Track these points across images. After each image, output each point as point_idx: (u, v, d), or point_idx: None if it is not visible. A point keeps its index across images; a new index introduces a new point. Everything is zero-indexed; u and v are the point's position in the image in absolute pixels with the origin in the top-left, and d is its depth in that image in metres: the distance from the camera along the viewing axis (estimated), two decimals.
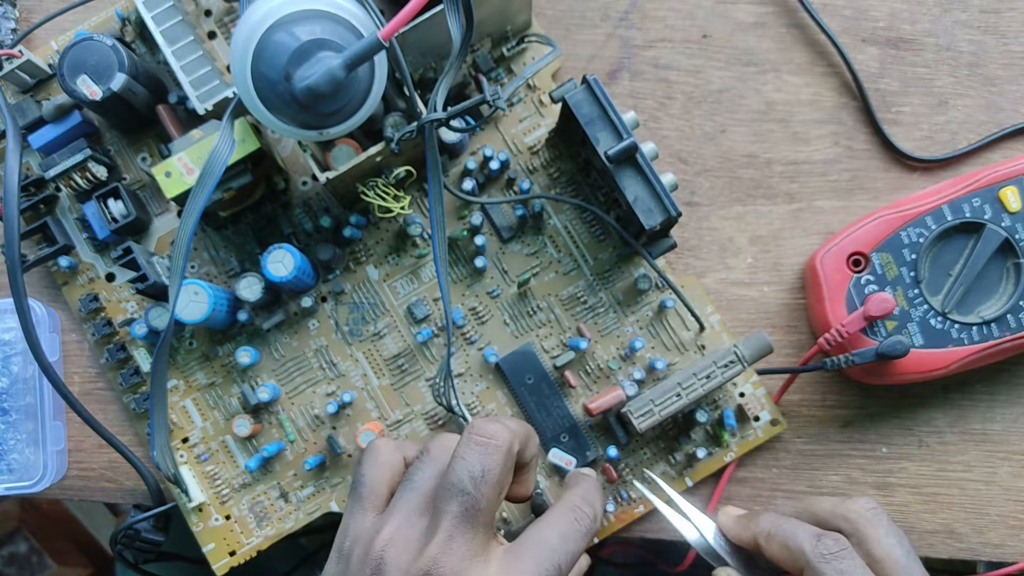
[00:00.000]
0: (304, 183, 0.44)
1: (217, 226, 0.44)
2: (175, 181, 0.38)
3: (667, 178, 0.39)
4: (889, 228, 0.41)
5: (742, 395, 0.44)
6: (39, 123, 0.43)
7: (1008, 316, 0.41)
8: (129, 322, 0.44)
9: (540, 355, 0.44)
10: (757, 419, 0.44)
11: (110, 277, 0.44)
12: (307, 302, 0.43)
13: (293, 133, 0.35)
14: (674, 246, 0.42)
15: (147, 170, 0.45)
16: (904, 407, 0.45)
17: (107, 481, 0.45)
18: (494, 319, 0.44)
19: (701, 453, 0.43)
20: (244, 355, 0.43)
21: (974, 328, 0.41)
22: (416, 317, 0.44)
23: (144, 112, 0.43)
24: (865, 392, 0.45)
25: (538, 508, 0.42)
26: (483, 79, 0.44)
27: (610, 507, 0.43)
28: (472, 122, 0.43)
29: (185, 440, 0.44)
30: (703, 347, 0.44)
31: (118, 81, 0.40)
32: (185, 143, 0.39)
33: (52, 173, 0.41)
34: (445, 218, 0.37)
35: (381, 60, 0.34)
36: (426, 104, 0.36)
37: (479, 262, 0.43)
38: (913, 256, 0.41)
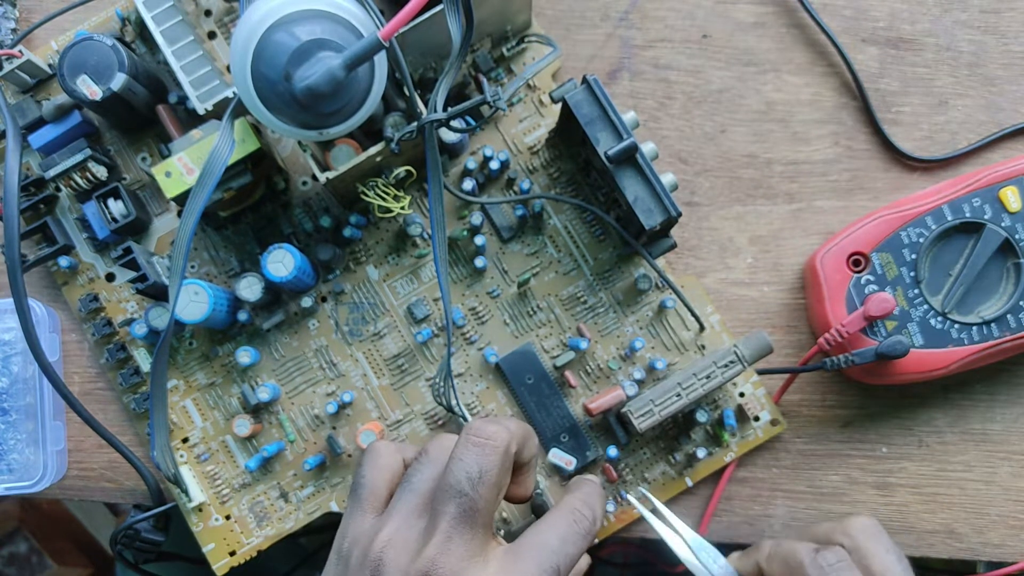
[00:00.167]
0: (304, 183, 0.44)
1: (217, 226, 0.44)
2: (175, 181, 0.38)
3: (667, 178, 0.39)
4: (889, 228, 0.41)
5: (742, 395, 0.44)
6: (39, 123, 0.43)
7: (1008, 316, 0.41)
8: (129, 322, 0.44)
9: (540, 355, 0.44)
10: (757, 419, 0.44)
11: (110, 277, 0.44)
12: (307, 302, 0.43)
13: (293, 133, 0.35)
14: (674, 246, 0.42)
15: (147, 170, 0.45)
16: (904, 407, 0.45)
17: (107, 481, 0.45)
18: (494, 319, 0.44)
19: (701, 453, 0.43)
20: (244, 355, 0.43)
21: (974, 328, 0.41)
22: (416, 317, 0.44)
23: (144, 112, 0.43)
24: (865, 392, 0.45)
25: (538, 508, 0.42)
26: (483, 79, 0.44)
27: (610, 507, 0.43)
28: (472, 122, 0.43)
29: (185, 440, 0.44)
30: (703, 347, 0.44)
31: (118, 81, 0.40)
32: (185, 143, 0.39)
33: (52, 173, 0.41)
34: (445, 218, 0.37)
35: (381, 60, 0.34)
36: (426, 104, 0.36)
37: (479, 262, 0.43)
38: (913, 256, 0.41)
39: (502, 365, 0.43)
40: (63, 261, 0.44)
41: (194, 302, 0.40)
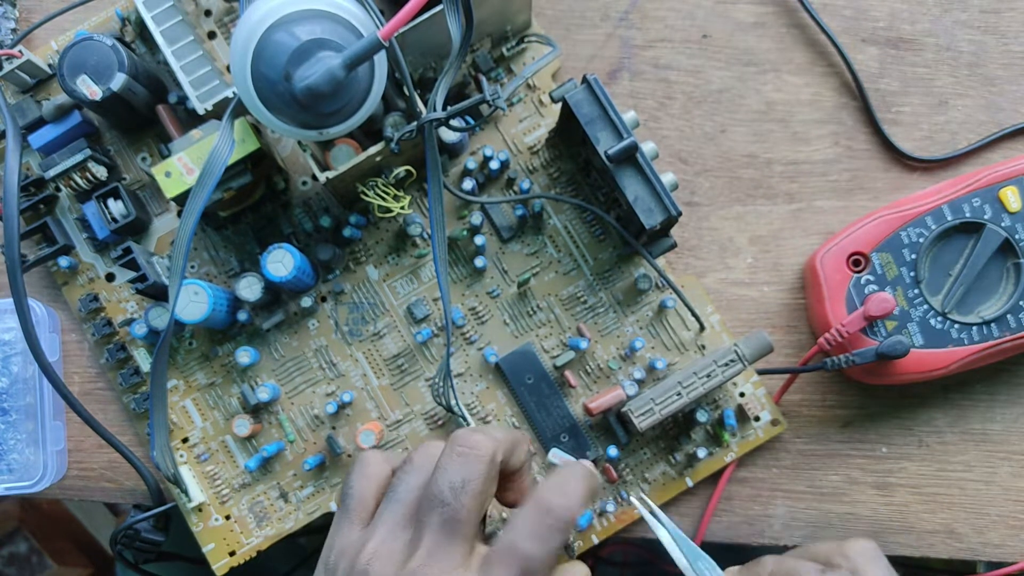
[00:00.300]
0: (304, 183, 0.44)
1: (217, 226, 0.44)
2: (175, 181, 0.38)
3: (667, 178, 0.39)
4: (889, 228, 0.41)
5: (742, 395, 0.44)
6: (39, 123, 0.43)
7: (1008, 316, 0.41)
8: (129, 322, 0.44)
9: (540, 355, 0.44)
10: (757, 419, 0.44)
11: (110, 277, 0.44)
12: (307, 302, 0.43)
13: (293, 133, 0.35)
14: (674, 246, 0.42)
15: (147, 170, 0.45)
16: (904, 407, 0.45)
17: (107, 481, 0.45)
18: (494, 319, 0.44)
19: (701, 453, 0.43)
20: (244, 355, 0.43)
21: (974, 328, 0.41)
22: (416, 317, 0.44)
23: (144, 112, 0.43)
24: (865, 392, 0.45)
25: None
26: (483, 79, 0.44)
27: (610, 507, 0.43)
28: (472, 122, 0.43)
29: (185, 440, 0.44)
30: (703, 347, 0.44)
31: (118, 81, 0.40)
32: (185, 143, 0.39)
33: (52, 173, 0.41)
34: (445, 218, 0.37)
35: (381, 60, 0.34)
36: (426, 104, 0.36)
37: (479, 262, 0.43)
38: (913, 256, 0.41)
39: (502, 365, 0.43)
40: (63, 261, 0.44)
41: (194, 302, 0.40)
